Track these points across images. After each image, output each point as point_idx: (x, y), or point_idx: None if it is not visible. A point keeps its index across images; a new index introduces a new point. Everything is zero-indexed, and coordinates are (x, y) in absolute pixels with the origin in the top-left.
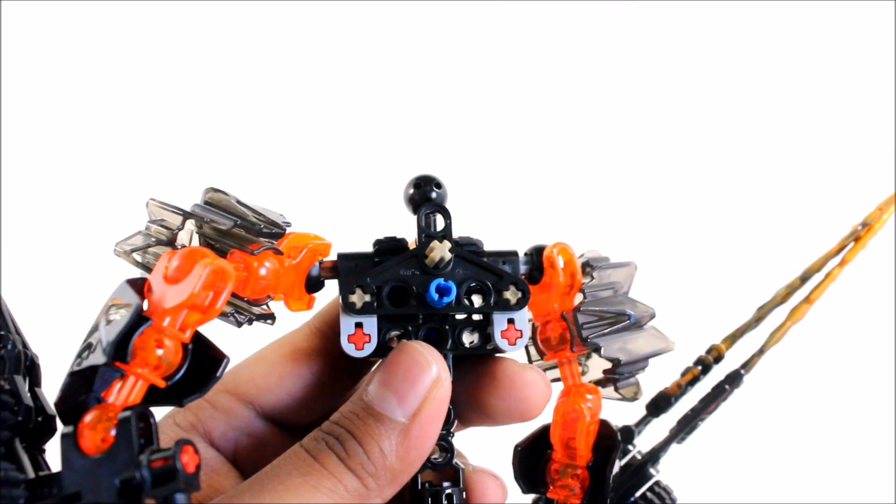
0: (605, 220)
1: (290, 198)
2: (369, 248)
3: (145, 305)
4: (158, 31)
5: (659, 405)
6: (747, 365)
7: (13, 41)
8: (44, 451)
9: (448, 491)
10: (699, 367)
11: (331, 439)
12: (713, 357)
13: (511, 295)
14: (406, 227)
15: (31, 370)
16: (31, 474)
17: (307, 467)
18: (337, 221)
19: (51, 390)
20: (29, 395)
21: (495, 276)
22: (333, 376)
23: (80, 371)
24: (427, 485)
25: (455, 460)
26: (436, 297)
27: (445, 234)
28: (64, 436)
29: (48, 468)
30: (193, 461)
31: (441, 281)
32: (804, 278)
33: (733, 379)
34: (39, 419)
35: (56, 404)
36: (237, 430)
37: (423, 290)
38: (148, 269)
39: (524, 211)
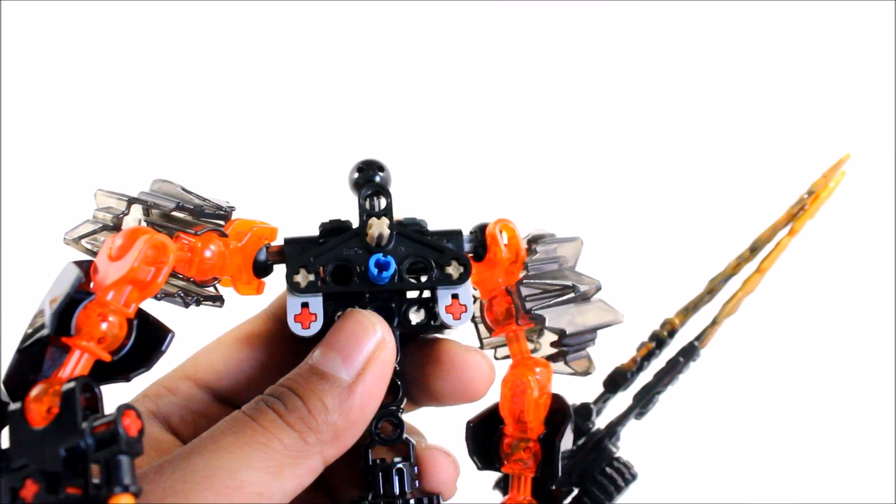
0: (555, 198)
1: (237, 187)
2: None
3: (90, 284)
4: (118, 28)
5: (616, 381)
6: (701, 337)
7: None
8: None
9: (399, 466)
10: (654, 342)
11: (271, 399)
12: (667, 331)
13: (453, 270)
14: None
15: None
16: None
17: (241, 425)
18: (285, 208)
19: None
20: None
21: (436, 251)
22: (289, 360)
23: (27, 347)
24: (379, 461)
25: (405, 435)
26: (375, 271)
27: (385, 212)
28: (11, 412)
29: None
30: (136, 425)
31: (380, 256)
32: (753, 249)
33: (688, 352)
34: None
35: (4, 381)
36: (196, 413)
37: (365, 268)
38: (92, 253)
39: (477, 193)
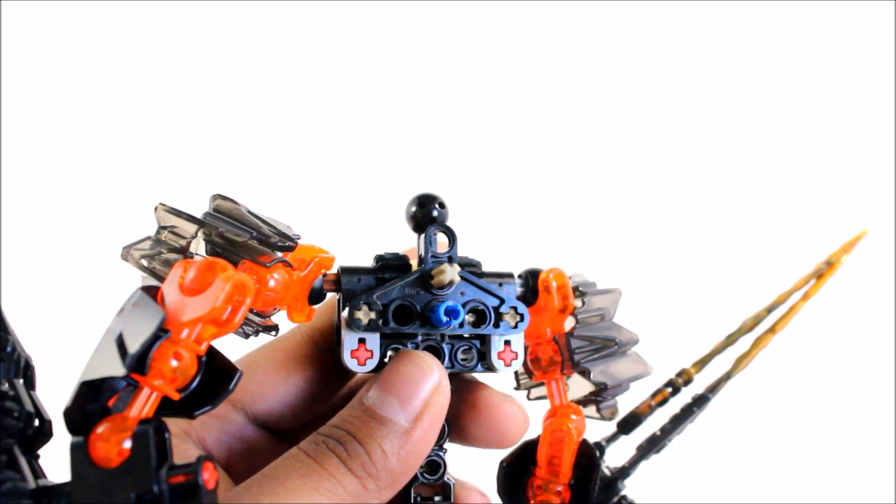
0: (579, 245)
1: (285, 208)
2: (363, 262)
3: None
4: (167, 36)
5: (630, 424)
6: (715, 390)
7: (17, 42)
8: (38, 456)
9: None
10: (669, 389)
11: (331, 441)
12: (683, 380)
13: (510, 318)
14: (395, 239)
15: (27, 372)
16: (33, 484)
17: (307, 468)
18: (327, 232)
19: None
20: (29, 399)
21: (496, 299)
22: (322, 384)
23: (93, 381)
24: (419, 497)
25: (447, 475)
26: (444, 319)
27: (452, 256)
28: (74, 446)
29: (44, 475)
30: (214, 477)
31: (449, 304)
32: (770, 309)
33: (701, 401)
34: (35, 424)
35: (65, 413)
36: (230, 435)
37: (427, 310)
38: (153, 273)
39: (500, 232)
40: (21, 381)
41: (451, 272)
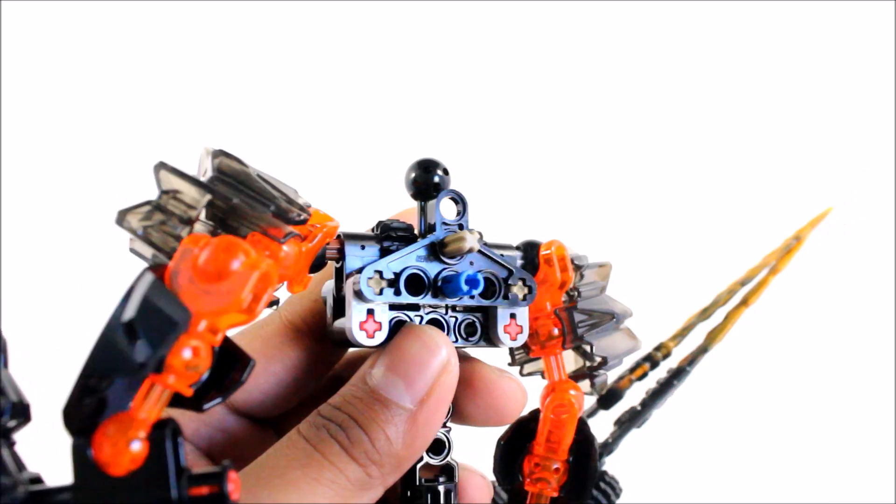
0: (550, 217)
1: (266, 164)
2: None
3: None
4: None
5: (609, 399)
6: (693, 362)
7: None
8: (14, 443)
9: (447, 487)
10: (648, 364)
11: (332, 426)
12: (662, 354)
13: (518, 290)
14: (380, 207)
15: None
16: (23, 490)
17: (307, 458)
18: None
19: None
20: (10, 387)
21: (505, 270)
22: (305, 370)
23: (98, 377)
24: (425, 481)
25: (450, 456)
26: (465, 288)
27: (462, 224)
28: (75, 447)
29: (24, 466)
30: (237, 489)
31: (469, 273)
32: (743, 283)
33: (680, 374)
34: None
35: (65, 411)
36: (209, 426)
37: (440, 280)
38: (150, 242)
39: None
40: (4, 367)
41: (472, 240)
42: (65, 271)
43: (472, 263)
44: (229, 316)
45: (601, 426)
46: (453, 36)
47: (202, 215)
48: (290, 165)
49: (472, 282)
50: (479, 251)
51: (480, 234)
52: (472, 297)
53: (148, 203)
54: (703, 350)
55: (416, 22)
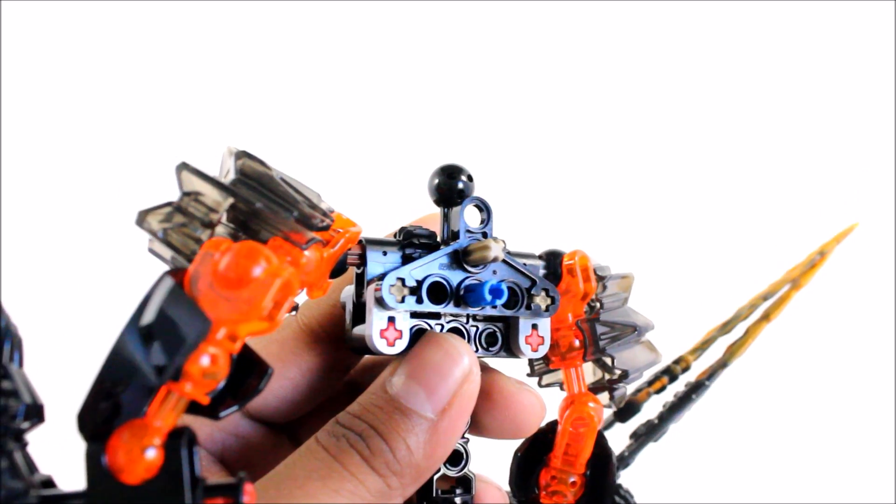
0: (572, 229)
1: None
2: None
3: None
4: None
5: (626, 412)
6: (711, 376)
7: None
8: (26, 443)
9: (464, 499)
10: (667, 377)
11: (352, 436)
12: (681, 368)
13: (542, 300)
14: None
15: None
16: (35, 496)
17: (326, 469)
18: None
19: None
20: (25, 388)
21: (529, 279)
22: (321, 376)
23: (115, 382)
24: (442, 493)
25: (468, 468)
26: (489, 298)
27: (486, 231)
28: (89, 454)
29: (37, 468)
30: (253, 500)
31: (493, 282)
32: (765, 297)
33: (698, 389)
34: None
35: (79, 416)
36: (223, 431)
37: (463, 289)
38: (169, 244)
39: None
40: (19, 366)
41: (497, 248)
42: (83, 271)
43: (495, 272)
44: (250, 324)
45: (617, 438)
46: (480, 42)
47: (223, 218)
48: (313, 168)
49: (496, 291)
50: (503, 260)
51: (504, 242)
52: (495, 306)
53: (169, 204)
54: (722, 364)
55: (445, 28)
